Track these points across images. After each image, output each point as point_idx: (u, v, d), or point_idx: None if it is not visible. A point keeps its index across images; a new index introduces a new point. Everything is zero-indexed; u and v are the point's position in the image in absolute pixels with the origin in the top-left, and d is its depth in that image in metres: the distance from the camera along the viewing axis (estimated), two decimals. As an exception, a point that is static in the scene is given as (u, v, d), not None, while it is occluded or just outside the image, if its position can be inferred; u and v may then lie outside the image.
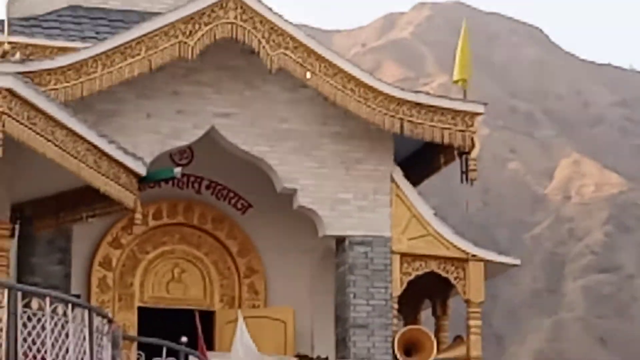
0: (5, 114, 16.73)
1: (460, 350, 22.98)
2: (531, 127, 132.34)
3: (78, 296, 20.60)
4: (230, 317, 22.20)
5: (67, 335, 17.66)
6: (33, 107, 17.56)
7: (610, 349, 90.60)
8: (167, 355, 19.95)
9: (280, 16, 21.87)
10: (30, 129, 17.46)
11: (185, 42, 21.38)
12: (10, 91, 16.92)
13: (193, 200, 23.47)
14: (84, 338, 17.94)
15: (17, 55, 22.03)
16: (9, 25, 22.87)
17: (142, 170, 19.67)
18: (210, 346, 21.18)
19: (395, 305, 22.37)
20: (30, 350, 16.83)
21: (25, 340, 16.84)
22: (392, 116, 22.06)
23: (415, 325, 23.34)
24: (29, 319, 16.96)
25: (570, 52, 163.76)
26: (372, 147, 22.63)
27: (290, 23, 21.96)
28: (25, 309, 16.99)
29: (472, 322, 22.79)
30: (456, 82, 23.02)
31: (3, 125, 16.74)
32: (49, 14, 24.82)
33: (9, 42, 22.13)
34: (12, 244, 20.01)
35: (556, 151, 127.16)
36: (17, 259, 20.68)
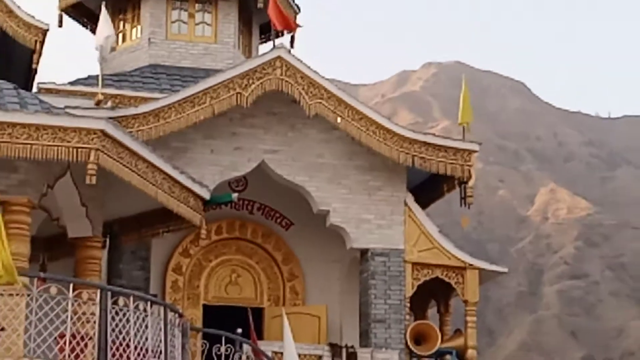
0: (100, 150, 16.82)
1: (459, 341, 22.93)
2: (516, 162, 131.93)
3: (155, 295, 20.60)
4: (276, 313, 22.18)
5: (146, 327, 17.68)
6: (121, 145, 17.63)
7: (580, 340, 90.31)
8: (226, 343, 19.96)
9: (316, 72, 21.90)
10: (118, 162, 17.52)
11: (241, 93, 21.42)
12: (103, 132, 17.02)
13: (247, 219, 23.46)
14: (160, 329, 17.96)
15: (109, 104, 22.17)
16: (102, 79, 23.06)
17: (207, 195, 19.71)
18: (260, 336, 21.12)
19: (408, 304, 22.35)
20: (117, 338, 16.86)
21: (113, 330, 16.87)
22: (406, 153, 22.07)
23: (424, 320, 23.28)
24: (117, 313, 17.00)
25: (547, 102, 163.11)
26: (389, 178, 22.64)
27: (324, 78, 21.96)
28: (114, 306, 17.03)
29: (469, 318, 22.75)
30: (461, 124, 23.04)
31: (97, 159, 16.83)
32: (134, 70, 24.92)
33: (102, 93, 22.32)
34: (104, 254, 20.08)
35: (536, 181, 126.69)
36: (107, 266, 20.73)
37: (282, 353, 20.14)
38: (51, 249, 20.32)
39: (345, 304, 23.14)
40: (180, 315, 18.97)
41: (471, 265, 22.81)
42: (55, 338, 16.68)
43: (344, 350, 21.69)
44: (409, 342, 22.10)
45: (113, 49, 24.25)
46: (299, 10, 27.11)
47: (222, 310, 22.44)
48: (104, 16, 23.80)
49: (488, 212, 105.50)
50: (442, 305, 24.26)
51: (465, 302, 22.70)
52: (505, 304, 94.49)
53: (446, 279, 22.69)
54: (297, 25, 25.07)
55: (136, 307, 17.58)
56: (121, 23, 25.25)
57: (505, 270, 25.70)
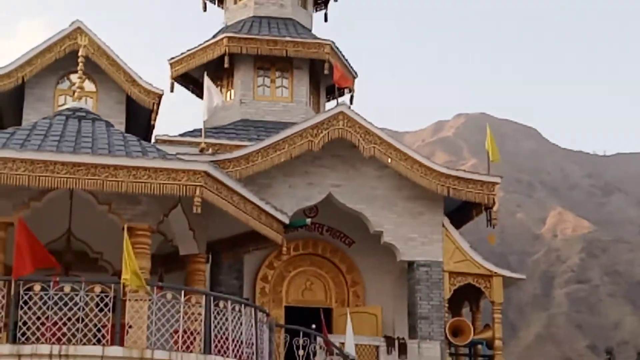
0: (203, 187, 16.98)
1: (488, 334, 22.75)
2: (530, 191, 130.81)
3: (247, 299, 20.66)
4: (342, 312, 22.15)
5: (241, 324, 17.77)
6: (220, 182, 17.79)
7: (585, 333, 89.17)
8: (303, 336, 19.99)
9: (370, 123, 21.89)
10: (218, 196, 17.67)
11: (312, 141, 21.49)
12: (206, 173, 17.18)
13: (318, 238, 23.43)
14: (252, 325, 18.05)
15: (210, 151, 22.40)
16: (205, 132, 23.34)
17: (286, 220, 19.76)
18: (330, 330, 21.05)
19: (446, 305, 22.19)
20: (219, 333, 16.95)
21: (215, 326, 16.95)
22: (442, 185, 21.99)
23: (459, 317, 23.12)
24: (218, 313, 17.10)
25: (555, 143, 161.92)
26: (430, 205, 22.55)
27: (377, 127, 21.92)
28: (216, 307, 17.14)
29: (495, 316, 22.55)
30: (492, 161, 22.95)
31: (202, 194, 17.00)
32: (229, 124, 25.06)
33: (205, 143, 22.60)
34: (207, 267, 20.22)
35: (547, 206, 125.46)
36: (210, 276, 20.84)
37: (345, 343, 20.21)
38: (167, 264, 20.51)
39: (397, 305, 23.04)
40: (267, 315, 19.08)
41: (496, 273, 22.67)
42: (171, 333, 16.84)
43: (396, 342, 21.62)
44: (448, 335, 21.99)
45: (218, 107, 24.49)
46: (357, 74, 27.21)
47: (299, 310, 22.39)
48: (208, 83, 24.16)
49: (509, 231, 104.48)
50: (473, 305, 24.09)
51: (492, 302, 22.53)
52: (524, 304, 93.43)
53: (476, 285, 22.56)
54: (348, 85, 25.13)
55: (233, 309, 17.71)
56: (219, 88, 25.48)
57: (524, 277, 25.47)
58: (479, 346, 23.03)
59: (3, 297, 16.05)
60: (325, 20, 28.59)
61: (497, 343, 22.44)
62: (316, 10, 28.24)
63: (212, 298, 17.37)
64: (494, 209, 22.66)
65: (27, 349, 15.74)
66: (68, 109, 19.74)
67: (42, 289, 16.07)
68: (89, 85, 21.70)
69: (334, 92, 27.12)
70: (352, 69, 26.69)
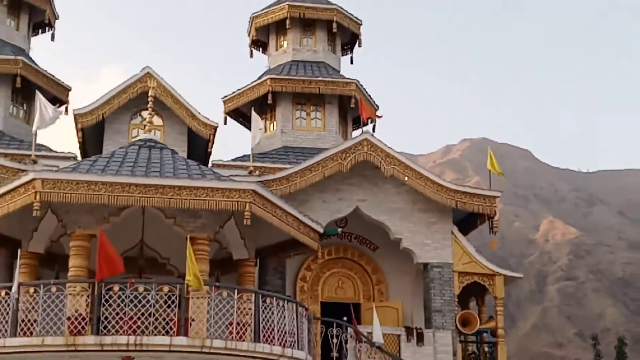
0: (252, 203, 17.07)
1: (492, 324, 22.56)
2: (526, 204, 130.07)
3: (289, 296, 20.68)
4: (368, 306, 22.03)
5: (285, 317, 17.80)
6: (265, 199, 17.86)
7: (573, 322, 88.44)
8: (336, 327, 19.99)
9: (390, 148, 21.80)
10: (264, 210, 17.73)
11: (342, 163, 21.49)
12: (254, 191, 17.27)
13: (347, 245, 23.31)
14: (293, 318, 18.06)
15: (257, 172, 22.49)
16: (253, 157, 23.48)
17: (321, 230, 19.76)
18: (359, 322, 21.02)
19: (456, 300, 22.09)
20: (266, 324, 17.02)
21: (263, 319, 17.00)
22: (451, 199, 21.90)
23: (467, 310, 22.99)
24: (265, 308, 17.15)
25: (545, 162, 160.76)
26: (441, 216, 22.45)
27: (395, 151, 21.90)
28: (263, 303, 17.20)
29: (498, 309, 22.38)
30: (499, 174, 22.88)
31: (251, 209, 17.09)
32: (272, 150, 25.07)
33: (253, 166, 22.70)
34: (256, 270, 20.28)
35: (540, 216, 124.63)
36: (258, 277, 20.82)
37: (372, 333, 20.18)
38: (222, 267, 20.54)
39: (414, 300, 22.95)
40: (306, 309, 19.10)
41: (498, 273, 22.54)
42: (226, 325, 16.91)
43: (414, 331, 21.54)
44: (458, 325, 21.87)
45: (263, 137, 24.67)
46: (378, 107, 27.21)
47: (333, 305, 22.34)
48: (254, 116, 24.35)
49: (508, 237, 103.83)
50: (479, 300, 23.95)
51: (495, 297, 22.39)
52: (521, 298, 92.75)
53: (481, 282, 22.43)
54: (377, 117, 25.18)
55: (277, 304, 17.76)
56: (263, 120, 25.61)
57: (521, 275, 25.40)
58: (484, 334, 22.87)
59: (88, 296, 16.25)
60: (351, 62, 28.69)
61: (500, 332, 22.31)
62: (343, 55, 28.31)
63: (260, 295, 17.49)
64: (495, 218, 22.57)
65: (108, 339, 15.89)
66: (140, 140, 19.97)
67: (120, 289, 16.26)
68: (157, 120, 21.89)
69: (359, 122, 27.12)
70: (374, 102, 26.71)
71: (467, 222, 23.49)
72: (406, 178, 21.86)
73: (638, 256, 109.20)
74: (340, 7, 26.75)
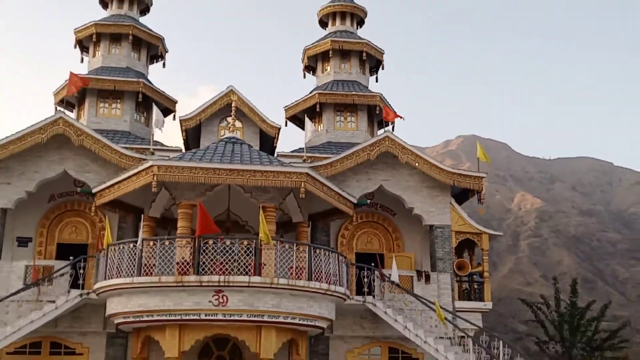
0: (306, 182, 17.15)
1: (479, 268, 22.30)
2: (504, 182, 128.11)
3: (333, 248, 20.68)
4: (390, 256, 21.97)
5: (329, 263, 17.77)
6: (315, 179, 17.92)
7: (538, 268, 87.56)
8: (367, 270, 19.95)
9: (405, 142, 21.53)
10: (314, 187, 17.80)
11: (370, 153, 21.37)
12: (307, 174, 17.34)
13: (374, 212, 23.00)
14: (336, 264, 18.06)
15: (309, 161, 22.52)
16: (306, 149, 23.51)
17: (355, 201, 19.82)
18: (383, 267, 20.93)
19: (453, 251, 21.84)
20: (316, 268, 17.09)
21: (314, 264, 17.02)
22: (450, 179, 21.65)
23: (462, 258, 22.68)
24: (315, 257, 17.29)
25: (519, 152, 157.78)
26: (442, 191, 22.11)
27: (408, 144, 21.69)
28: (314, 253, 17.28)
29: (484, 257, 22.17)
30: (486, 161, 22.35)
31: (305, 186, 17.18)
32: (320, 145, 24.81)
33: (306, 156, 22.71)
34: (308, 229, 20.30)
35: (514, 191, 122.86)
36: (310, 235, 20.71)
37: (392, 275, 20.16)
38: (285, 227, 20.60)
39: (423, 251, 22.75)
40: (345, 257, 19.11)
41: (484, 232, 22.31)
42: (288, 268, 17.04)
43: (423, 274, 21.48)
44: (454, 269, 21.76)
45: (313, 135, 24.62)
46: (395, 112, 26.97)
47: (364, 255, 22.33)
48: (307, 120, 24.40)
49: (491, 206, 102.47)
50: (470, 251, 23.64)
51: (482, 250, 22.20)
52: (501, 250, 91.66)
53: (472, 239, 22.20)
54: (400, 118, 24.82)
55: (324, 254, 17.83)
56: (313, 123, 25.49)
57: (501, 234, 25.10)
58: (474, 276, 22.65)
59: (190, 248, 16.50)
60: (377, 81, 28.45)
61: (485, 274, 22.13)
62: (371, 75, 28.02)
63: (312, 247, 17.61)
64: (482, 192, 22.38)
65: (205, 278, 16.16)
66: (226, 138, 20.13)
67: (213, 242, 16.50)
68: (237, 124, 21.98)
69: (382, 123, 26.94)
70: (393, 109, 26.50)
71: (461, 195, 23.29)
72: (416, 164, 21.72)
73: (586, 220, 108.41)
74: (368, 41, 26.54)
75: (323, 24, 28.27)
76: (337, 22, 27.64)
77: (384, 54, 27.26)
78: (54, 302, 17.99)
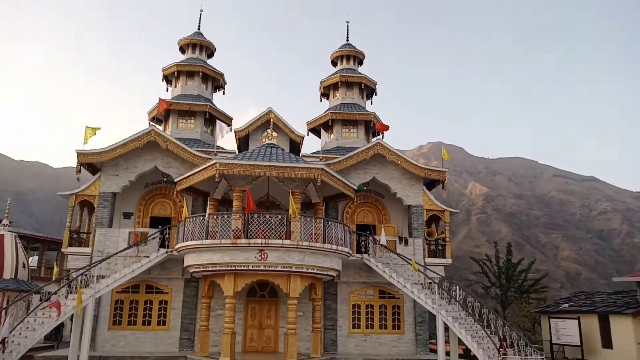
0: (321, 175, 16.92)
1: (443, 235, 21.86)
2: (460, 175, 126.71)
3: (340, 221, 20.44)
4: (380, 226, 21.73)
5: (338, 231, 17.52)
6: (328, 173, 17.74)
7: (485, 235, 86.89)
8: (363, 237, 19.83)
9: (391, 146, 21.32)
10: (328, 178, 17.65)
11: (366, 155, 21.10)
12: (322, 169, 17.14)
13: (369, 195, 22.65)
14: (343, 231, 17.84)
15: (324, 160, 22.35)
16: (321, 152, 23.29)
17: (355, 187, 19.66)
18: (375, 233, 20.81)
19: (424, 223, 21.63)
20: (328, 234, 16.85)
21: (327, 231, 16.77)
22: (422, 172, 21.46)
23: (430, 228, 22.44)
24: (328, 226, 16.84)
25: (471, 153, 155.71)
26: (417, 181, 21.79)
27: (393, 147, 21.33)
28: (327, 224, 16.91)
29: (446, 227, 21.82)
30: (445, 158, 21.96)
31: (320, 178, 17.03)
32: (331, 148, 24.48)
33: (322, 156, 22.52)
34: (323, 208, 20.11)
35: (468, 181, 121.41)
36: (324, 212, 20.62)
37: (381, 239, 20.04)
38: (307, 206, 20.45)
39: (404, 223, 22.47)
40: (348, 227, 18.87)
41: (446, 209, 22.00)
42: (309, 234, 16.86)
43: (403, 239, 21.31)
44: (425, 236, 21.53)
45: (327, 142, 24.38)
46: (382, 123, 26.65)
47: (362, 225, 22.07)
48: (322, 132, 24.21)
49: (451, 191, 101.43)
50: (436, 223, 23.35)
51: (445, 222, 21.94)
52: (458, 223, 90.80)
53: (437, 215, 21.90)
54: (386, 129, 24.48)
55: (334, 224, 17.61)
56: (327, 133, 25.25)
57: (458, 211, 24.48)
58: (439, 241, 22.40)
59: (242, 220, 16.50)
60: (371, 103, 27.97)
61: (447, 239, 21.86)
62: (367, 99, 27.61)
63: (325, 220, 17.48)
64: (445, 182, 22.06)
65: (251, 241, 16.12)
66: (266, 144, 19.96)
67: (258, 216, 16.44)
68: (274, 134, 21.86)
69: (375, 133, 26.66)
70: (382, 122, 26.13)
71: (430, 184, 22.99)
72: (399, 162, 21.50)
73: (518, 201, 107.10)
74: (366, 75, 26.16)
75: (334, 63, 28.03)
76: (344, 62, 27.33)
77: (376, 84, 26.90)
78: (148, 257, 18.16)
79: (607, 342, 18.96)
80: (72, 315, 16.54)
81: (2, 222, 21.76)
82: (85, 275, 16.95)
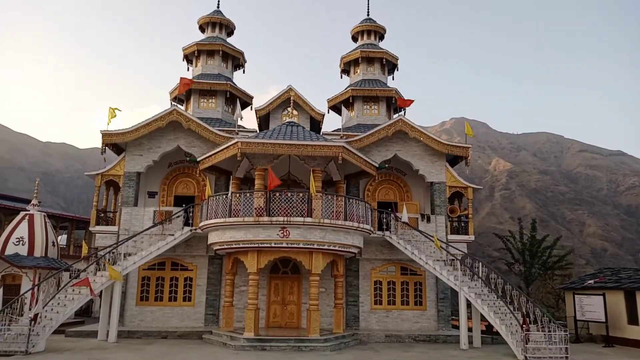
0: (342, 152, 16.81)
1: (466, 212, 21.66)
2: (484, 151, 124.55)
3: (362, 199, 20.47)
4: (402, 204, 21.58)
5: (359, 208, 17.55)
6: (349, 150, 17.62)
7: (509, 211, 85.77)
8: (385, 214, 19.76)
9: (413, 122, 21.03)
10: (349, 156, 17.54)
11: (387, 131, 20.87)
12: (343, 146, 17.01)
13: (390, 172, 22.57)
14: (364, 209, 17.83)
15: (345, 137, 22.16)
16: (343, 129, 23.11)
17: (377, 165, 19.55)
18: (397, 211, 20.74)
19: (447, 200, 21.46)
20: (350, 211, 16.82)
21: (348, 209, 16.81)
22: (445, 149, 21.17)
23: (453, 205, 22.30)
24: (349, 204, 16.84)
25: (495, 129, 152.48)
26: (440, 157, 21.55)
27: (415, 124, 21.09)
28: (348, 202, 16.85)
29: (469, 204, 21.62)
30: (470, 135, 21.53)
31: (341, 156, 16.93)
32: (352, 126, 24.31)
33: (343, 134, 22.38)
34: (344, 186, 20.05)
35: (491, 158, 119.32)
36: (346, 189, 20.59)
37: (402, 216, 19.97)
38: (328, 184, 20.38)
39: (426, 200, 22.33)
40: (369, 204, 18.81)
41: (469, 186, 21.71)
42: (330, 211, 16.88)
43: (425, 216, 21.20)
44: (448, 212, 21.38)
45: (348, 119, 24.23)
46: (404, 99, 26.25)
47: (383, 203, 22.01)
48: (343, 108, 23.97)
49: (474, 168, 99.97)
50: (459, 200, 23.17)
51: (468, 199, 21.67)
52: (481, 199, 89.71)
53: (461, 191, 21.68)
54: (409, 104, 24.12)
55: (356, 202, 17.57)
56: (348, 111, 25.07)
57: (481, 187, 24.19)
58: (462, 217, 22.23)
59: (265, 198, 16.56)
60: (393, 79, 27.62)
61: (470, 216, 21.66)
62: (389, 75, 27.20)
63: (347, 198, 17.48)
64: (468, 158, 21.70)
65: (274, 218, 16.21)
66: (287, 122, 19.86)
67: (279, 194, 16.52)
68: (295, 112, 21.61)
69: (397, 110, 26.31)
70: (403, 97, 25.76)
71: (453, 160, 22.71)
72: (421, 138, 21.22)
73: (543, 177, 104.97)
74: (387, 50, 25.69)
75: (354, 38, 27.53)
76: (365, 37, 26.84)
77: (398, 59, 26.41)
78: (172, 235, 18.51)
79: (633, 319, 18.66)
80: (101, 292, 17.05)
81: (32, 202, 22.37)
82: (113, 253, 17.39)
